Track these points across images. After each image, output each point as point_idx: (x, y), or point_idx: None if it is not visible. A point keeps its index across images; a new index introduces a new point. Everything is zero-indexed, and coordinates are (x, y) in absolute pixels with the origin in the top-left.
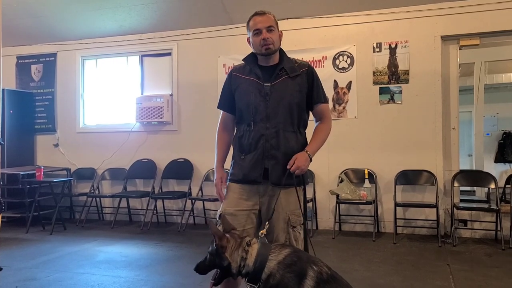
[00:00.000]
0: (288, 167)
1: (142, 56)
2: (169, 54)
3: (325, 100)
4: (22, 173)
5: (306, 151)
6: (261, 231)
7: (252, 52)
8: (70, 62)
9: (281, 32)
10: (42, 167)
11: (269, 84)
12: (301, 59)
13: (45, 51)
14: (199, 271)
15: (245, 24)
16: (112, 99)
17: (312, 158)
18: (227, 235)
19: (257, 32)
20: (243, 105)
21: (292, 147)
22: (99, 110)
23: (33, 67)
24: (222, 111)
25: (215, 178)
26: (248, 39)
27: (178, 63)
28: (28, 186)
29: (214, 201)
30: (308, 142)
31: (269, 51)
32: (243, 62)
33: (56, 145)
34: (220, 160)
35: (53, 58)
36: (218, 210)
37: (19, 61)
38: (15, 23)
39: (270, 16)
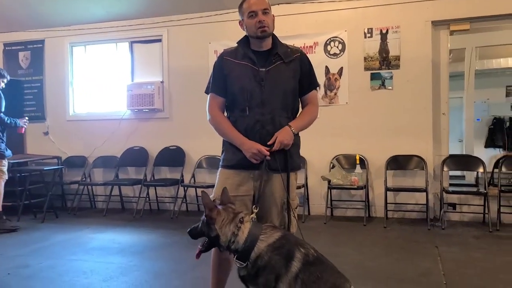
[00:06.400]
0: (269, 143)
1: (132, 42)
2: (159, 40)
3: (317, 86)
4: (12, 161)
5: (289, 126)
6: (251, 216)
7: (245, 36)
8: (58, 49)
9: (273, 15)
10: (25, 126)
11: (264, 69)
12: (292, 45)
13: (33, 37)
14: (191, 235)
15: (237, 10)
16: (102, 86)
17: (297, 134)
18: (220, 207)
19: (252, 14)
20: (237, 90)
21: None
22: (89, 98)
23: (21, 54)
24: (209, 96)
25: (249, 146)
26: (240, 22)
27: (168, 49)
28: (18, 175)
29: (206, 188)
30: None
31: (265, 34)
32: (233, 46)
33: (46, 133)
34: (240, 134)
35: (41, 45)
36: (211, 196)
37: (6, 48)
38: (2, 9)
39: None
